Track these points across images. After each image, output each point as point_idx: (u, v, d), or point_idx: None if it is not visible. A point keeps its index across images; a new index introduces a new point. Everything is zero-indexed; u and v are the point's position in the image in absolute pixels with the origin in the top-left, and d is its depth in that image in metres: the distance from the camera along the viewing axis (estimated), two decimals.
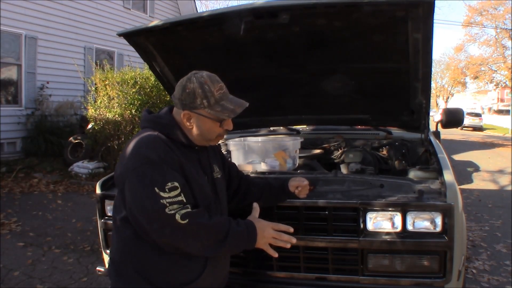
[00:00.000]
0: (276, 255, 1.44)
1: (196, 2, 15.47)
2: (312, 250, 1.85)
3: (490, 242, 4.23)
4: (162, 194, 1.29)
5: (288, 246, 1.44)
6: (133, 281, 1.39)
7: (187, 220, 1.28)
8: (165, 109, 1.54)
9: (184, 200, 1.31)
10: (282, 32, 2.03)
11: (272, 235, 1.41)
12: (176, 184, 1.31)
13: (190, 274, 1.40)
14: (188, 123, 1.45)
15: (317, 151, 2.79)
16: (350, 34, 2.03)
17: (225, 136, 3.07)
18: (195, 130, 1.46)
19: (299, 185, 1.79)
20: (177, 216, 1.28)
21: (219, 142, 2.89)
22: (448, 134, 17.23)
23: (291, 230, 1.44)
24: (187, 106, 1.42)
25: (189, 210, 1.30)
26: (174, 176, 1.33)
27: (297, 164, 2.44)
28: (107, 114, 7.06)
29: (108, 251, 2.12)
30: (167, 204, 1.29)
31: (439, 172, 1.96)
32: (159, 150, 1.35)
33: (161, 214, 1.29)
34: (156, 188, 1.29)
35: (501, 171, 9.08)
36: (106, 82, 7.16)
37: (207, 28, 2.08)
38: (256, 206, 1.51)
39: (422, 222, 1.74)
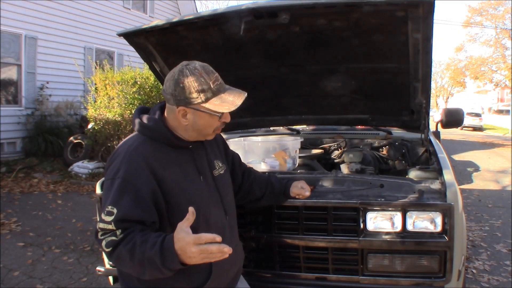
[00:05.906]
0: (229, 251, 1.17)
1: (196, 2, 15.48)
2: (312, 250, 1.85)
3: (490, 242, 4.23)
4: (102, 217, 1.26)
5: (226, 256, 1.16)
6: None
7: (111, 248, 1.24)
8: (156, 106, 1.45)
9: (113, 228, 1.23)
10: (282, 32, 2.03)
11: (198, 252, 1.13)
12: (114, 210, 1.23)
13: (194, 283, 1.37)
14: (183, 119, 1.34)
15: (317, 151, 2.80)
16: (350, 34, 2.02)
17: (225, 136, 3.08)
18: (191, 127, 1.36)
19: (300, 193, 1.79)
20: (103, 243, 1.25)
21: None
22: (448, 134, 17.23)
23: (218, 239, 1.15)
24: (182, 102, 1.31)
25: (114, 238, 1.23)
26: (118, 199, 1.25)
27: (297, 164, 2.44)
28: (107, 114, 7.06)
29: None
30: (99, 230, 1.26)
31: (439, 172, 1.96)
32: (127, 164, 1.29)
33: (96, 236, 1.28)
34: (105, 207, 1.26)
35: (501, 171, 9.08)
36: (106, 82, 7.16)
37: (207, 28, 2.08)
38: (189, 213, 1.19)
39: (422, 222, 1.74)
